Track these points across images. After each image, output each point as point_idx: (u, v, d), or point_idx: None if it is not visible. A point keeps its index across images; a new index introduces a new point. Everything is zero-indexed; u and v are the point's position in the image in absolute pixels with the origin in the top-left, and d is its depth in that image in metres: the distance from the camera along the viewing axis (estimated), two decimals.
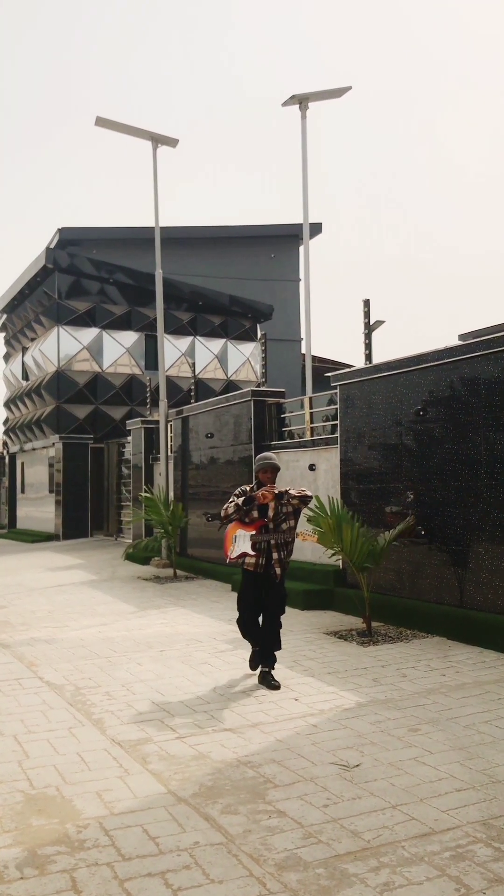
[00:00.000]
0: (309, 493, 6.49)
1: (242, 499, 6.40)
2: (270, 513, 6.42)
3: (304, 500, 6.44)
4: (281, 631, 6.57)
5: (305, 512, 8.87)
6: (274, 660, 6.46)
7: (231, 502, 6.44)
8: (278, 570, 6.39)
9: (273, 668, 6.42)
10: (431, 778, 4.32)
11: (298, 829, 3.73)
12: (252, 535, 6.33)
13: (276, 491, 6.39)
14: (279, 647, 6.51)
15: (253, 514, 6.40)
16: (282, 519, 6.41)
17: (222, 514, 6.47)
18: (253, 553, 6.31)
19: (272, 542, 6.36)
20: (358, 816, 3.86)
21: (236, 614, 6.65)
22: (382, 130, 79.92)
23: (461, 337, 8.29)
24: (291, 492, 6.41)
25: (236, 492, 6.56)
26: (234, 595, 11.41)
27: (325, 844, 3.56)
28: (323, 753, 4.76)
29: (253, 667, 6.66)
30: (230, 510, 6.42)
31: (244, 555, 6.33)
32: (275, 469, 6.53)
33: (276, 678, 6.33)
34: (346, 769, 4.49)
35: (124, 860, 3.44)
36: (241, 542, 6.35)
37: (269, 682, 6.26)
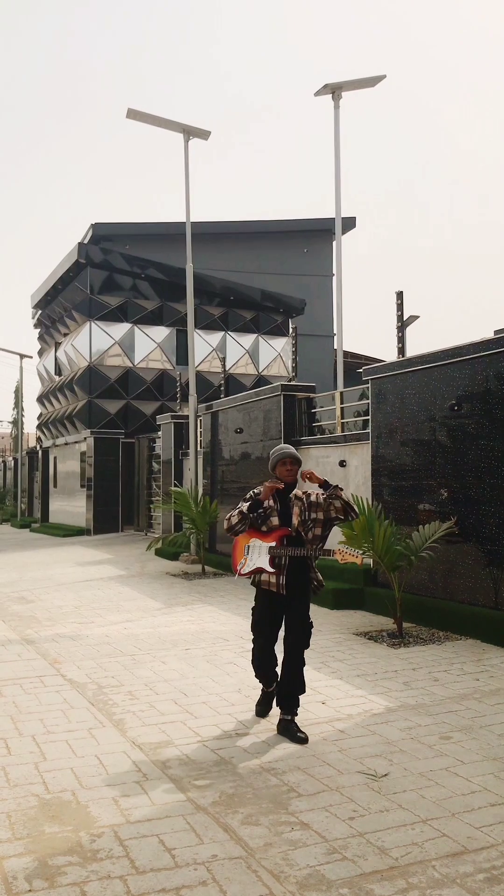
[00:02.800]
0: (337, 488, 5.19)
1: (248, 504, 5.17)
2: (295, 519, 5.09)
3: (348, 511, 5.12)
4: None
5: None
6: (296, 704, 5.14)
7: (236, 509, 5.23)
8: (315, 582, 5.22)
9: (296, 715, 5.10)
10: (464, 791, 4.10)
11: (322, 844, 3.54)
12: (271, 548, 5.09)
13: (322, 478, 5.07)
14: (303, 690, 5.19)
15: (272, 521, 5.12)
16: (310, 527, 5.12)
17: (225, 525, 5.22)
18: (272, 570, 5.08)
19: (307, 555, 5.10)
20: (385, 831, 3.66)
21: None
22: (416, 121, 79.02)
23: (497, 332, 7.99)
24: (341, 497, 5.08)
25: (246, 496, 5.31)
26: None
27: (350, 861, 3.36)
28: (350, 761, 4.56)
29: (261, 712, 5.39)
30: (234, 521, 5.15)
31: (259, 570, 5.13)
32: (296, 460, 5.21)
33: (301, 729, 5.01)
34: (374, 779, 4.28)
35: (138, 873, 3.28)
36: (255, 555, 5.14)
37: (293, 734, 4.94)
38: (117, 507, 23.52)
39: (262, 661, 5.35)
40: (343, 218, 15.64)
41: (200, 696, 5.98)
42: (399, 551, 7.83)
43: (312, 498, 5.15)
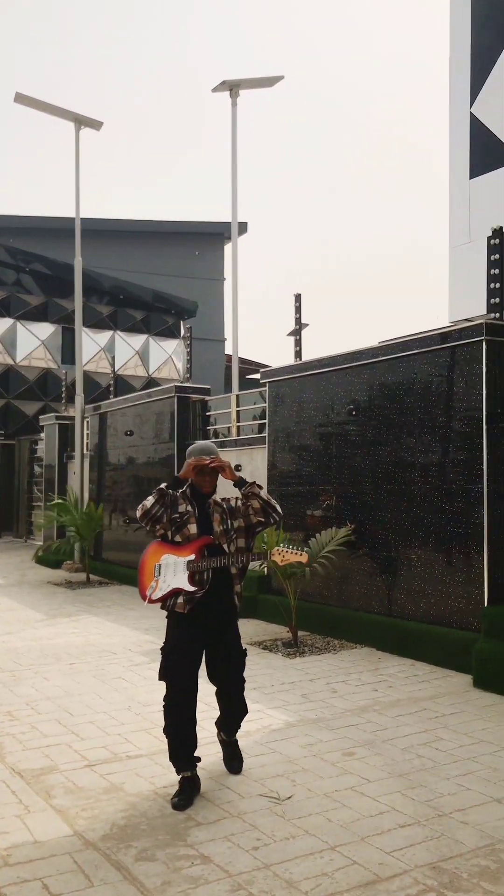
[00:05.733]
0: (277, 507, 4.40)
1: (165, 484, 4.33)
2: (217, 526, 4.28)
3: (269, 511, 4.31)
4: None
5: None
6: (238, 727, 4.53)
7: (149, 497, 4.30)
8: (238, 603, 4.34)
9: (238, 730, 4.55)
10: (371, 811, 3.89)
11: (225, 880, 3.24)
12: (189, 562, 4.16)
13: (237, 475, 4.33)
14: (246, 712, 4.52)
15: (189, 530, 4.23)
16: (231, 536, 4.30)
17: (139, 513, 4.24)
18: (192, 589, 4.13)
19: (231, 566, 4.23)
20: (292, 861, 3.39)
21: (153, 622, 4.46)
22: (311, 126, 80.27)
23: (381, 343, 8.00)
24: (259, 495, 4.30)
25: (160, 486, 4.38)
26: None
27: None
28: (250, 783, 4.28)
29: (181, 804, 3.97)
30: (148, 505, 4.21)
31: (176, 592, 4.16)
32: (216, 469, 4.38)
33: (240, 753, 4.51)
34: (278, 802, 4.02)
35: None
36: (168, 574, 4.17)
37: (231, 760, 4.47)
38: None
39: (179, 724, 4.14)
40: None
41: (87, 715, 5.57)
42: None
43: (232, 503, 4.38)
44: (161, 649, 4.27)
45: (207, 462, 4.27)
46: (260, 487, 4.37)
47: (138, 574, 4.33)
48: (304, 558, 4.31)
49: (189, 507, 4.28)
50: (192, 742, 4.20)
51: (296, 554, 4.29)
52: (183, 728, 4.15)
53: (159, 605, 4.26)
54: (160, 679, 4.20)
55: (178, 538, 4.25)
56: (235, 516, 4.33)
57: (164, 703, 4.20)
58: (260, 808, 3.96)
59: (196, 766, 4.20)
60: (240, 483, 4.34)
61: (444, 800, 4.03)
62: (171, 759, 4.19)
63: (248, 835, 3.66)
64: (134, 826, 3.77)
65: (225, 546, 4.25)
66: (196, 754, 4.26)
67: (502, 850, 3.47)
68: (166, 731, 4.18)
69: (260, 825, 3.76)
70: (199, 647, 4.25)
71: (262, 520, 4.32)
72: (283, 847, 3.53)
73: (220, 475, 4.37)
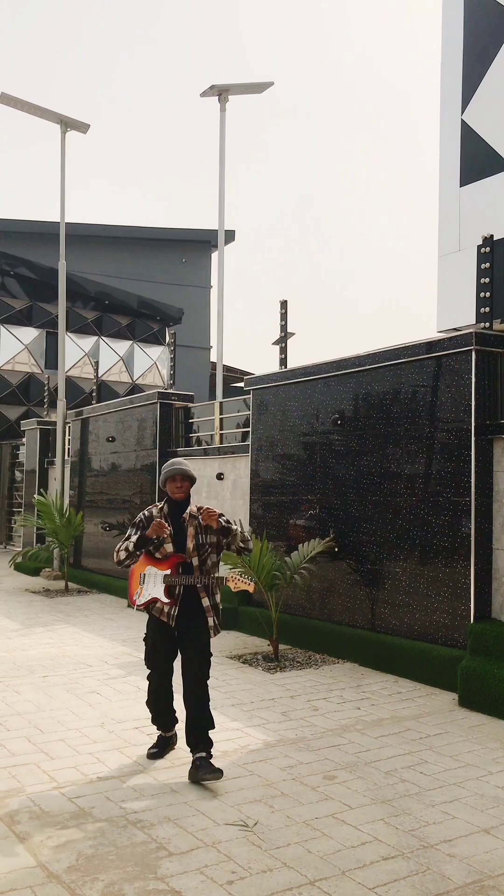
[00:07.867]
0: (234, 525, 4.95)
1: (135, 540, 4.81)
2: (190, 542, 4.77)
3: (226, 532, 4.82)
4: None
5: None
6: (209, 743, 4.56)
7: (124, 542, 4.86)
8: (212, 621, 4.78)
9: (210, 755, 4.51)
10: (353, 842, 3.69)
11: None
12: (166, 576, 4.73)
13: (221, 523, 4.80)
14: (211, 726, 4.63)
15: (166, 548, 4.78)
16: (207, 552, 4.81)
17: (115, 559, 4.88)
18: (167, 600, 4.71)
19: (198, 585, 4.72)
20: None
21: (131, 633, 5.03)
22: (302, 133, 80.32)
23: (367, 352, 7.84)
24: (237, 543, 4.87)
25: (135, 520, 4.95)
26: (130, 612, 10.58)
27: None
28: (227, 808, 4.07)
29: (153, 754, 4.87)
30: (121, 557, 4.84)
31: (154, 601, 4.76)
32: (186, 477, 4.87)
33: (215, 766, 4.44)
34: (251, 831, 3.80)
35: None
36: (150, 584, 4.78)
37: (207, 770, 4.38)
38: None
39: (157, 699, 4.91)
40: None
41: (58, 733, 5.34)
42: (279, 565, 7.46)
43: (203, 519, 4.83)
44: (143, 640, 4.98)
45: (158, 526, 4.73)
46: (242, 532, 4.98)
47: (129, 579, 4.97)
48: (251, 588, 4.81)
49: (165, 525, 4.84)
50: (170, 715, 4.96)
51: (245, 583, 4.79)
52: (162, 704, 4.91)
53: (144, 609, 4.86)
54: (145, 664, 4.93)
55: (157, 555, 4.84)
56: (210, 531, 4.84)
57: (147, 687, 4.93)
58: (235, 836, 3.75)
59: (174, 728, 5.01)
60: (223, 531, 4.82)
61: (429, 829, 3.83)
62: (153, 722, 5.01)
63: (222, 867, 3.45)
64: (102, 856, 3.55)
65: (194, 562, 4.76)
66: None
67: (492, 886, 3.29)
68: (149, 705, 4.96)
69: (235, 856, 3.55)
70: (173, 644, 4.84)
71: (234, 553, 5.03)
72: (259, 881, 3.33)
73: (191, 483, 4.96)
